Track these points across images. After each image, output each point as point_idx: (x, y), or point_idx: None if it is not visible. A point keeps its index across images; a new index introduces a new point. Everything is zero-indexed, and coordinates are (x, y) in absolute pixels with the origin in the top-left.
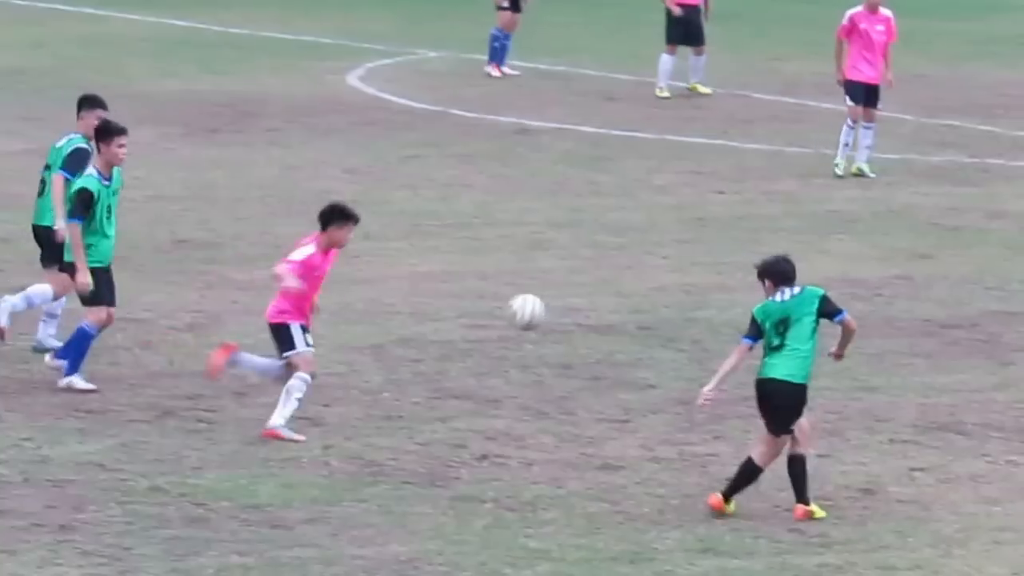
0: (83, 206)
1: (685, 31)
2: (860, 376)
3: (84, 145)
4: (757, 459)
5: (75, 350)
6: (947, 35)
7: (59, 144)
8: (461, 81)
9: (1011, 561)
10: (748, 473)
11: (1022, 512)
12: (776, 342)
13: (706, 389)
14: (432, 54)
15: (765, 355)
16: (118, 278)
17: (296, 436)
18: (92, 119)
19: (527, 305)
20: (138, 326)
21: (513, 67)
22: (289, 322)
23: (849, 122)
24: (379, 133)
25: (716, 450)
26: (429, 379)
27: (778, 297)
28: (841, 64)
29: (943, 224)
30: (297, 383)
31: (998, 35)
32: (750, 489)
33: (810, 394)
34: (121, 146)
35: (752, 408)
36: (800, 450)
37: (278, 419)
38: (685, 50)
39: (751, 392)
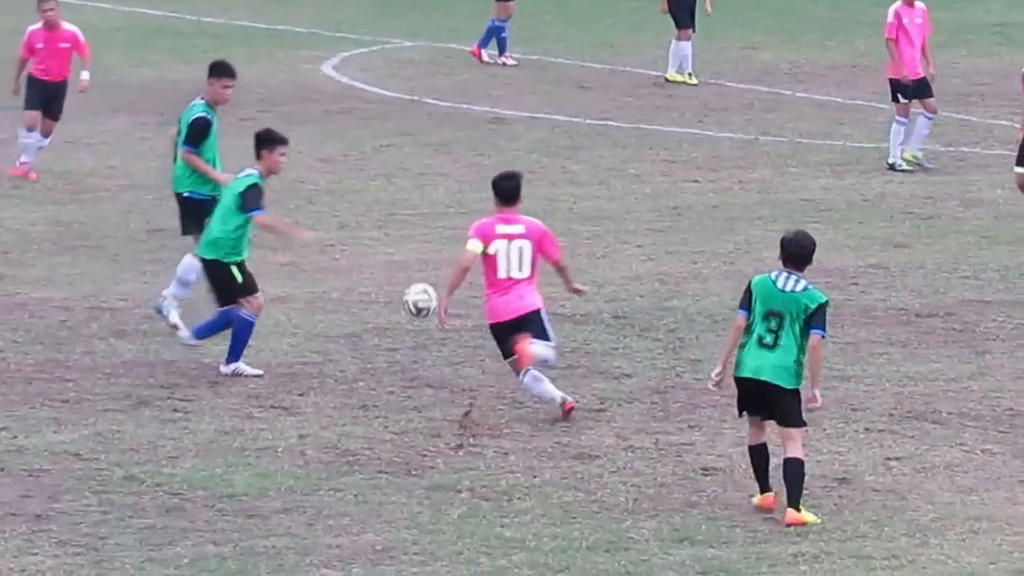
0: (259, 197)
1: (682, 14)
2: (835, 366)
3: (204, 113)
4: (795, 454)
5: (239, 340)
6: None
7: (185, 112)
8: (435, 70)
9: (987, 550)
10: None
11: (998, 501)
12: (769, 339)
13: (714, 373)
14: (407, 43)
15: (752, 346)
16: (91, 267)
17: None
18: (219, 87)
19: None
20: (113, 315)
21: (492, 56)
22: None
23: (899, 119)
24: (353, 122)
25: (691, 439)
26: (404, 368)
27: (780, 283)
28: (899, 62)
29: (918, 213)
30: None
31: (972, 24)
32: (725, 479)
33: None
34: (282, 155)
35: (727, 397)
36: (798, 454)
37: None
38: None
39: (726, 381)
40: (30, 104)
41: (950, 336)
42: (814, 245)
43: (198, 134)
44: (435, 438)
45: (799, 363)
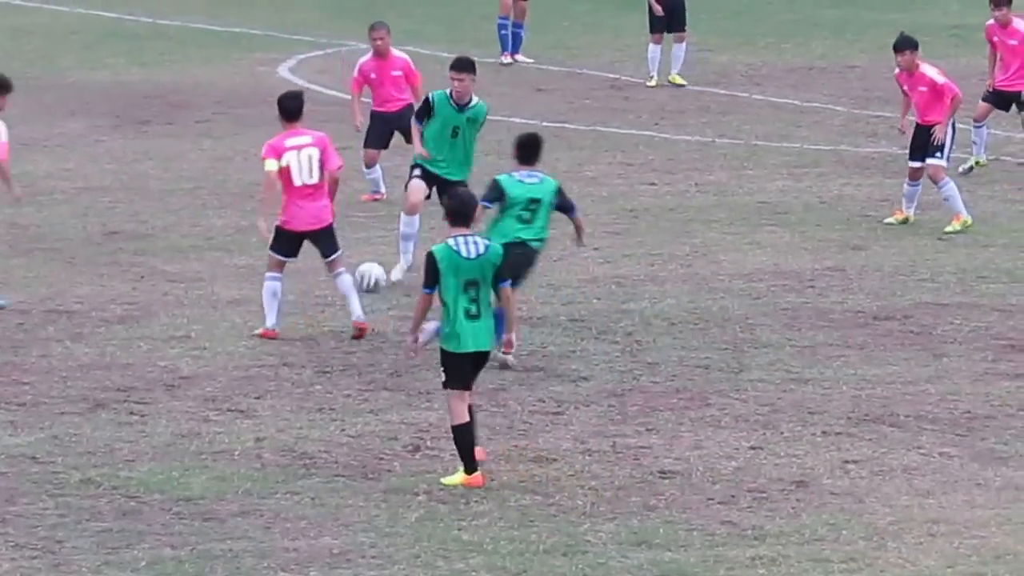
0: None
1: (669, 20)
2: (793, 368)
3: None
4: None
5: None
6: (877, 26)
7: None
8: None
9: (945, 553)
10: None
11: (956, 504)
12: (473, 309)
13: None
14: (363, 45)
15: (461, 320)
16: (48, 270)
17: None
18: None
19: (371, 271)
20: (69, 318)
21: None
22: None
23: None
24: (309, 125)
25: (648, 442)
26: (361, 371)
27: (464, 251)
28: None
29: (875, 216)
30: (349, 276)
31: (927, 26)
32: (683, 482)
33: (741, 385)
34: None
35: (685, 400)
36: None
37: (360, 312)
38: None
39: (684, 384)
40: (371, 143)
41: (907, 339)
42: (474, 200)
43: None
44: (392, 441)
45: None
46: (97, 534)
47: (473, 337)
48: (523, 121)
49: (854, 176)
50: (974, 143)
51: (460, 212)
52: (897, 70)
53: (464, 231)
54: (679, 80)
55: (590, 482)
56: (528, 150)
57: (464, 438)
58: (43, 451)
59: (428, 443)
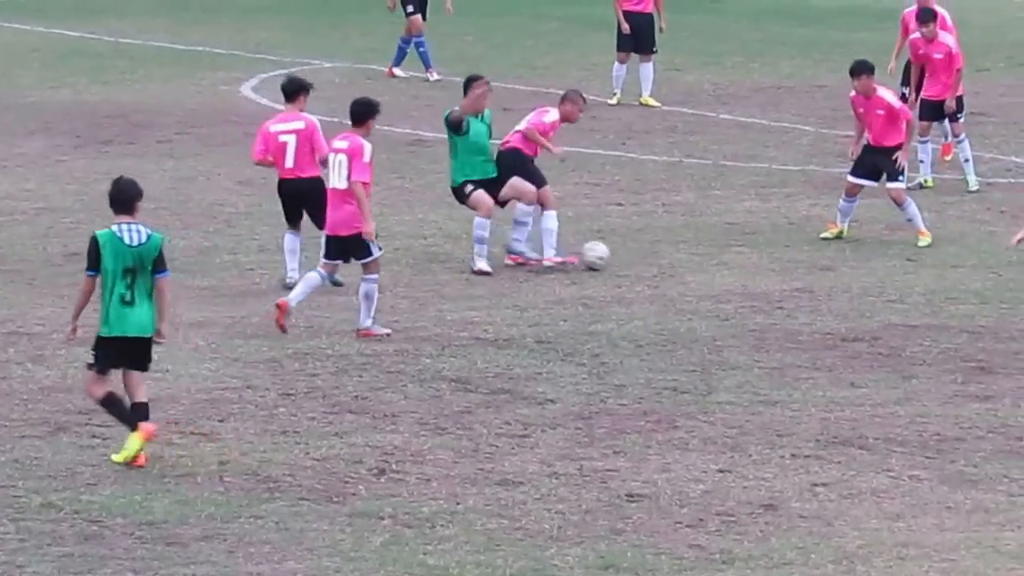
0: None
1: (635, 39)
2: (761, 390)
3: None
4: (143, 398)
5: None
6: (845, 45)
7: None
8: (355, 91)
9: None
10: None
11: (925, 527)
12: (128, 296)
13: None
14: (326, 64)
15: (115, 305)
16: (8, 292)
17: (384, 330)
18: None
19: (596, 247)
20: (30, 340)
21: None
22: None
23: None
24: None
25: (616, 465)
26: (325, 394)
27: (127, 239)
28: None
29: (844, 236)
30: (373, 287)
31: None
32: (651, 505)
33: (709, 408)
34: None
35: (652, 423)
36: (145, 398)
37: (367, 320)
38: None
39: (651, 406)
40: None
41: (876, 361)
42: (135, 187)
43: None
44: (357, 464)
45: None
46: (58, 559)
47: (121, 323)
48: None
49: (822, 196)
50: (921, 161)
51: (120, 200)
52: (853, 93)
53: (128, 219)
54: (651, 102)
55: (557, 505)
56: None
57: (112, 407)
58: (3, 475)
59: (393, 466)
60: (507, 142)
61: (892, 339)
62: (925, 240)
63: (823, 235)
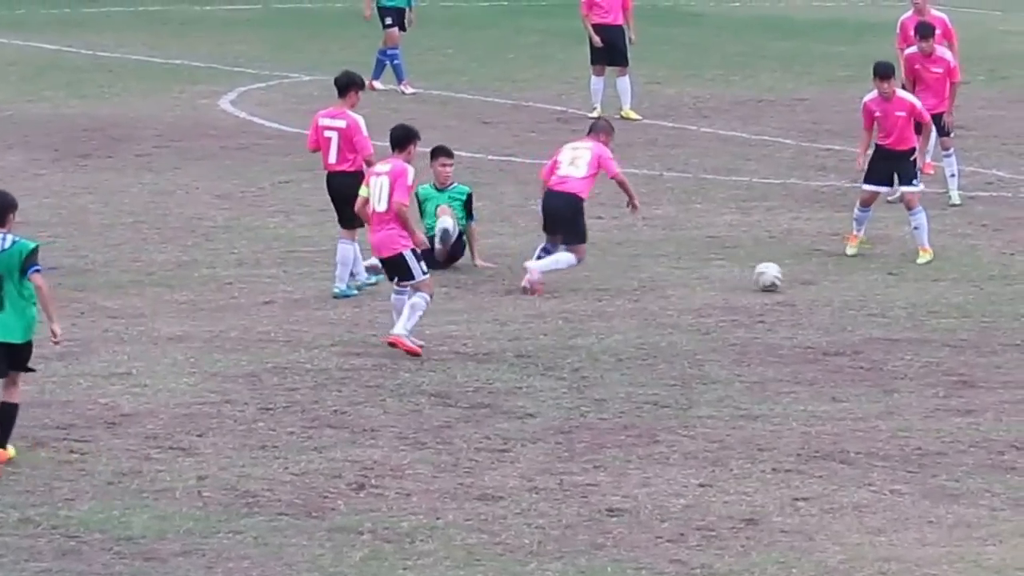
0: None
1: (609, 53)
2: (742, 405)
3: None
4: (16, 399)
5: None
6: (826, 58)
7: None
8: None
9: None
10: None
11: (907, 542)
12: None
13: None
14: (305, 77)
15: None
16: None
17: (417, 345)
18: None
19: (768, 269)
20: None
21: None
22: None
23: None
24: (252, 158)
25: (596, 480)
26: (304, 408)
27: None
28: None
29: (825, 250)
30: (422, 301)
31: (876, 57)
32: (631, 520)
33: (690, 422)
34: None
35: (633, 437)
36: (18, 399)
37: (402, 329)
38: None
39: (632, 421)
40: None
41: (858, 375)
42: (9, 199)
43: None
44: (336, 479)
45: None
46: (36, 574)
47: None
48: (469, 155)
49: (803, 210)
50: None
51: None
52: (870, 97)
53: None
54: (632, 115)
55: (537, 520)
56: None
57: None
58: None
59: (373, 481)
60: (563, 182)
61: (874, 353)
62: (925, 257)
63: (849, 252)
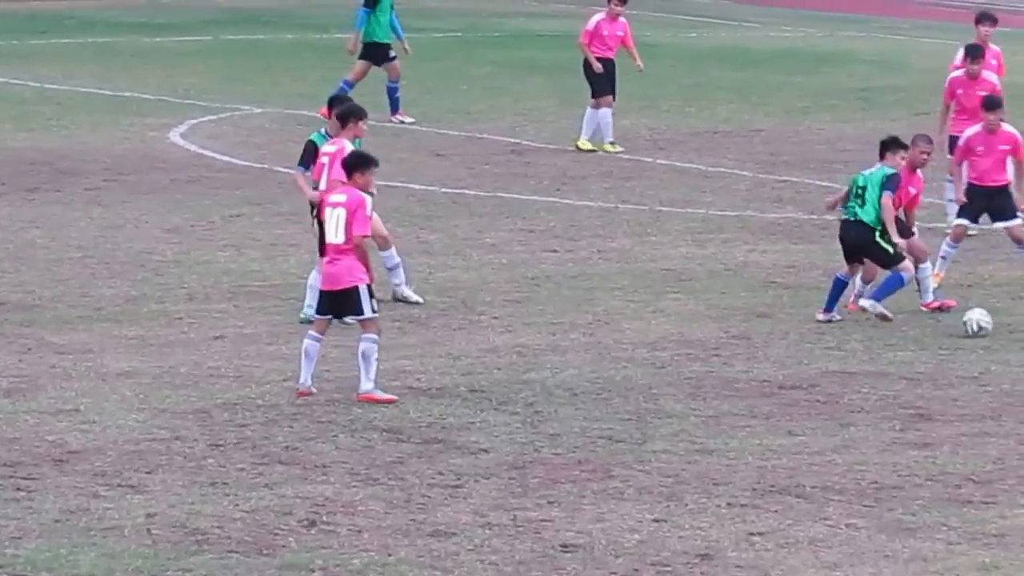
0: None
1: (609, 82)
2: (697, 439)
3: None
4: None
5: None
6: (783, 89)
7: None
8: (286, 137)
9: None
10: None
11: None
12: None
13: None
14: (256, 110)
15: None
16: None
17: (389, 396)
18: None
19: (975, 316)
20: None
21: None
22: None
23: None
24: (202, 191)
25: (550, 515)
26: (255, 444)
27: None
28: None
29: (781, 282)
30: (372, 345)
31: (834, 88)
32: (585, 556)
33: (645, 457)
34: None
35: (587, 472)
36: None
37: (367, 383)
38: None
39: (586, 455)
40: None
41: (814, 408)
42: None
43: None
44: (287, 516)
45: None
46: None
47: None
48: (422, 187)
49: (760, 242)
50: (950, 201)
51: None
52: (974, 132)
53: None
54: (587, 146)
55: (490, 556)
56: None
57: None
58: None
59: (324, 518)
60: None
61: (830, 386)
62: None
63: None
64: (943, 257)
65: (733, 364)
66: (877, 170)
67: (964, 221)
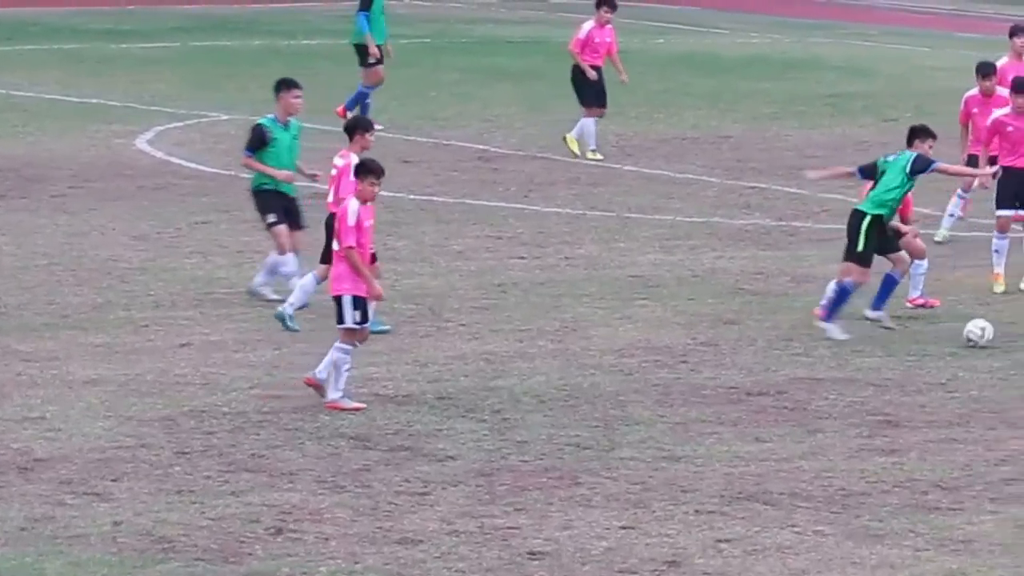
0: None
1: (596, 92)
2: (665, 446)
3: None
4: None
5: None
6: (751, 95)
7: None
8: None
9: None
10: None
11: None
12: None
13: None
14: (223, 117)
15: None
16: None
17: (356, 404)
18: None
19: (985, 328)
20: None
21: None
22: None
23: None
24: (168, 198)
25: (517, 523)
26: (222, 452)
27: None
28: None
29: (749, 289)
30: (342, 355)
31: (802, 95)
32: (552, 563)
33: (612, 464)
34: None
35: (555, 479)
36: None
37: (334, 393)
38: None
39: (553, 463)
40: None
41: (781, 415)
42: None
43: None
44: (253, 523)
45: None
46: None
47: None
48: (390, 194)
49: (727, 249)
50: (950, 215)
51: None
52: (1005, 113)
53: None
54: (574, 146)
55: (457, 564)
56: None
57: None
58: None
59: (291, 525)
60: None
61: (797, 393)
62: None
63: (997, 290)
64: (996, 251)
65: (701, 371)
66: (900, 155)
67: (1006, 212)
